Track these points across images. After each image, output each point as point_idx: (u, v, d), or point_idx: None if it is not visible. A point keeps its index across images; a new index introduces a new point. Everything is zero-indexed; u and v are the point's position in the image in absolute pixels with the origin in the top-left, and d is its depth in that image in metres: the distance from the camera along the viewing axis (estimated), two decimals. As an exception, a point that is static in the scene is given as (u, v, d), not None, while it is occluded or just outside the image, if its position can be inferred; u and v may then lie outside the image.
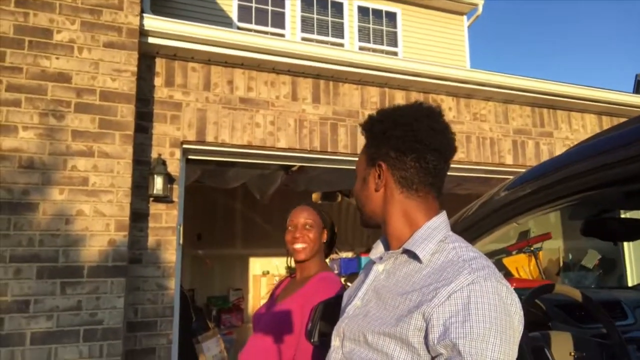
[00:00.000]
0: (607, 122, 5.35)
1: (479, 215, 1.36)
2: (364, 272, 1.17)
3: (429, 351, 0.83)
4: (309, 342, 1.39)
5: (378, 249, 1.10)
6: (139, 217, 3.46)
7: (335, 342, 1.03)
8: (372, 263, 1.12)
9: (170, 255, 3.53)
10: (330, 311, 1.38)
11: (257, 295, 8.97)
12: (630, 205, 1.61)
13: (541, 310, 1.62)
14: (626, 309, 1.81)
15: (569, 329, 1.49)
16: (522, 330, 0.86)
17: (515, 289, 0.92)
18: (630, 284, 5.04)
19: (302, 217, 1.89)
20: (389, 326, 0.88)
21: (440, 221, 1.00)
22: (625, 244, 5.30)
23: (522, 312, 0.87)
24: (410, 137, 0.98)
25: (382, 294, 0.97)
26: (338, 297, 1.51)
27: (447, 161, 1.03)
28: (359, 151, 1.15)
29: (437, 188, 1.04)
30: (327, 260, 2.11)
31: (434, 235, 0.96)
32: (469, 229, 1.34)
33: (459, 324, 0.79)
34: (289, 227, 1.91)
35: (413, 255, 0.96)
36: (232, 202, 8.74)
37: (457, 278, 0.85)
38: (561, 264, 7.02)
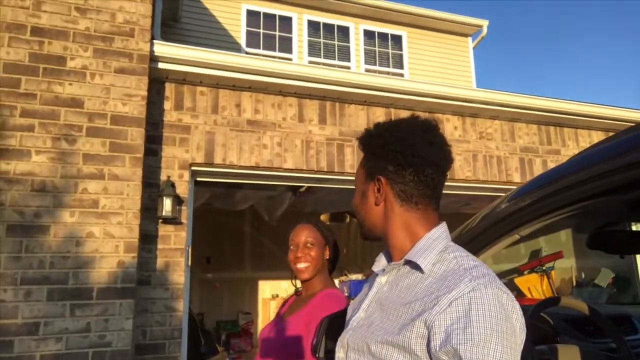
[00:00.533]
0: (615, 139, 5.33)
1: (481, 228, 1.37)
2: (367, 285, 1.18)
3: (431, 358, 0.84)
4: (314, 357, 1.39)
5: (381, 261, 1.11)
6: (147, 239, 3.50)
7: (339, 353, 1.04)
8: (375, 276, 1.13)
9: (179, 276, 3.55)
10: (335, 326, 1.39)
11: (266, 319, 8.89)
12: (636, 217, 1.61)
13: (549, 325, 1.60)
14: (637, 324, 1.78)
15: (578, 343, 1.47)
16: (525, 337, 0.87)
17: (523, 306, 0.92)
18: (645, 303, 4.94)
19: (303, 236, 1.90)
20: (392, 335, 0.89)
21: (441, 232, 1.02)
22: (639, 261, 5.22)
23: (523, 320, 0.87)
24: (409, 151, 1.00)
25: (385, 305, 0.99)
26: (343, 312, 1.51)
27: (445, 173, 1.05)
28: None
29: (436, 200, 1.05)
30: (337, 281, 2.11)
31: (435, 245, 0.98)
32: (472, 242, 1.35)
33: (460, 330, 0.80)
34: (291, 247, 1.91)
35: (415, 266, 0.98)
36: (241, 225, 8.76)
37: (458, 285, 0.86)
38: (574, 283, 6.91)
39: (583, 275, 6.84)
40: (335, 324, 1.41)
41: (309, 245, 1.89)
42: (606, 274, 6.32)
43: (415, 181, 1.01)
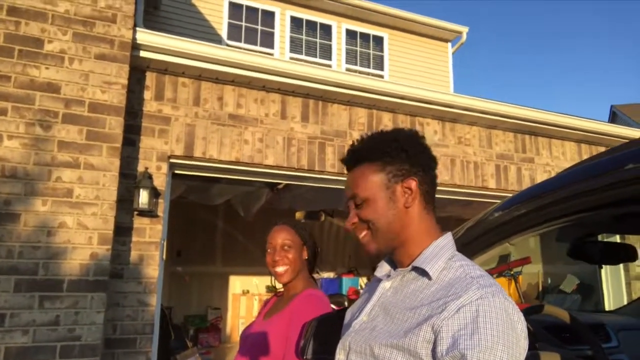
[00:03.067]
0: (586, 150, 5.51)
1: (472, 236, 1.38)
2: (367, 291, 1.18)
3: None
4: (301, 359, 1.38)
5: (383, 267, 1.12)
6: (122, 231, 3.41)
7: (340, 355, 1.04)
8: (376, 281, 1.13)
9: (153, 270, 3.48)
10: (323, 328, 1.38)
11: (235, 315, 8.83)
12: (619, 229, 1.66)
13: (529, 331, 1.63)
14: (610, 332, 1.84)
15: (557, 350, 1.51)
16: (527, 348, 0.88)
17: None
18: (607, 310, 5.13)
19: (280, 238, 1.87)
20: (397, 338, 0.90)
21: (447, 240, 1.04)
22: (603, 270, 5.41)
23: (526, 331, 0.89)
24: (428, 154, 1.06)
25: (389, 309, 0.99)
26: (331, 314, 1.51)
27: None
28: (346, 171, 1.14)
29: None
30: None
31: (442, 253, 1.00)
32: (462, 248, 1.37)
33: (467, 336, 0.82)
34: (268, 250, 1.88)
35: (422, 272, 0.99)
36: (214, 219, 8.66)
37: (466, 293, 0.87)
38: (540, 288, 7.11)
39: (549, 281, 7.04)
40: (323, 326, 1.40)
41: (286, 247, 1.86)
42: (571, 281, 6.53)
43: (433, 183, 1.06)
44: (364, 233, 1.04)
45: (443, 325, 0.85)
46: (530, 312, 1.57)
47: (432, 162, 1.06)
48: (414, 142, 1.05)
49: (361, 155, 1.06)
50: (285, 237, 1.87)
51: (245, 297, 8.91)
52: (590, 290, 6.16)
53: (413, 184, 1.02)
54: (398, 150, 1.03)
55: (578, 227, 1.63)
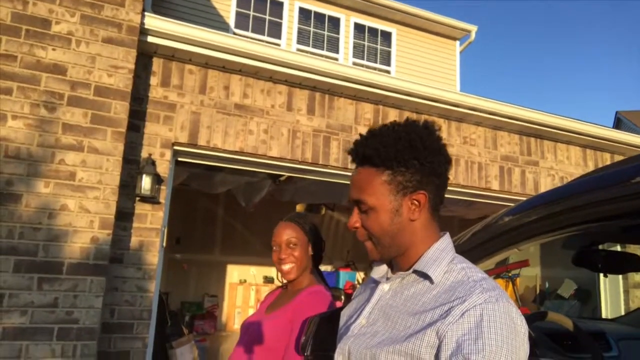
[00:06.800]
0: (591, 155, 5.48)
1: (479, 240, 1.37)
2: (363, 293, 1.16)
3: None
4: (301, 355, 1.38)
5: (381, 268, 1.08)
6: (123, 216, 3.40)
7: (339, 359, 1.02)
8: (372, 282, 1.11)
9: (152, 257, 3.47)
10: (325, 326, 1.37)
11: (232, 304, 8.86)
12: (625, 239, 1.64)
13: (531, 338, 1.63)
14: (610, 341, 1.84)
15: (557, 358, 1.50)
16: (529, 353, 0.88)
17: None
18: (604, 317, 5.14)
19: (285, 235, 1.85)
20: (401, 343, 0.89)
21: (447, 243, 1.02)
22: (601, 277, 5.41)
23: (527, 335, 0.89)
24: (443, 156, 1.00)
25: (389, 313, 0.98)
26: (332, 312, 1.50)
27: None
28: (350, 165, 1.10)
29: None
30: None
31: (443, 256, 0.98)
32: (468, 253, 1.36)
33: (471, 340, 0.81)
34: (274, 247, 1.87)
35: (423, 276, 0.97)
36: (214, 208, 8.66)
37: (470, 297, 0.87)
38: (538, 291, 7.11)
39: (547, 285, 7.05)
40: (325, 324, 1.40)
41: (291, 245, 1.85)
42: (569, 285, 6.53)
43: (445, 185, 1.02)
44: (366, 241, 1.02)
45: (448, 330, 0.84)
46: (534, 319, 1.57)
47: (446, 165, 1.00)
48: (428, 145, 0.97)
49: (369, 155, 0.99)
50: (291, 234, 1.86)
51: (242, 286, 8.95)
52: (588, 296, 6.16)
53: (422, 197, 0.97)
54: (410, 157, 0.96)
55: (583, 235, 1.62)
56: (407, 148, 0.96)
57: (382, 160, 0.97)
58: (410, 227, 0.99)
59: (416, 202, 0.98)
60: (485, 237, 1.31)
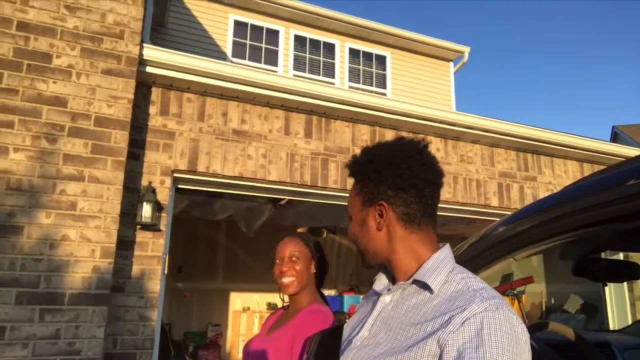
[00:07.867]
0: (588, 169, 5.51)
1: (475, 251, 1.39)
2: (365, 305, 1.17)
3: None
4: (304, 373, 1.37)
5: (382, 280, 1.10)
6: (124, 245, 3.41)
7: None
8: (374, 295, 1.12)
9: (154, 285, 3.47)
10: (326, 343, 1.37)
11: (236, 332, 8.74)
12: (623, 247, 1.65)
13: (533, 349, 1.62)
14: (615, 352, 1.82)
15: (561, 369, 1.50)
16: None
17: None
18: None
19: (288, 249, 1.87)
20: (402, 353, 0.89)
21: (447, 253, 1.03)
22: (607, 290, 5.37)
23: (529, 343, 0.89)
24: (407, 174, 1.01)
25: (391, 324, 0.98)
26: (335, 329, 1.50)
27: (439, 190, 1.08)
28: (349, 187, 1.16)
29: (435, 219, 1.07)
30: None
31: (443, 266, 0.99)
32: (465, 264, 1.37)
33: (472, 349, 0.82)
34: (277, 260, 1.88)
35: (423, 286, 0.98)
36: (216, 235, 8.64)
37: (470, 306, 0.87)
38: (544, 308, 7.04)
39: (553, 301, 6.98)
40: (327, 340, 1.39)
41: (294, 259, 1.86)
42: (575, 300, 6.47)
43: (417, 202, 1.02)
44: (356, 246, 1.10)
45: (449, 339, 0.85)
46: (535, 330, 1.56)
47: (411, 180, 1.01)
48: (395, 160, 1.02)
49: (351, 170, 1.10)
50: (294, 248, 1.87)
51: (245, 314, 8.84)
52: (595, 310, 6.10)
53: (383, 209, 1.02)
54: (371, 170, 1.03)
55: (581, 244, 1.63)
56: (369, 162, 1.05)
57: (353, 173, 1.08)
58: (378, 236, 1.04)
59: (379, 213, 1.03)
60: (482, 247, 1.32)
